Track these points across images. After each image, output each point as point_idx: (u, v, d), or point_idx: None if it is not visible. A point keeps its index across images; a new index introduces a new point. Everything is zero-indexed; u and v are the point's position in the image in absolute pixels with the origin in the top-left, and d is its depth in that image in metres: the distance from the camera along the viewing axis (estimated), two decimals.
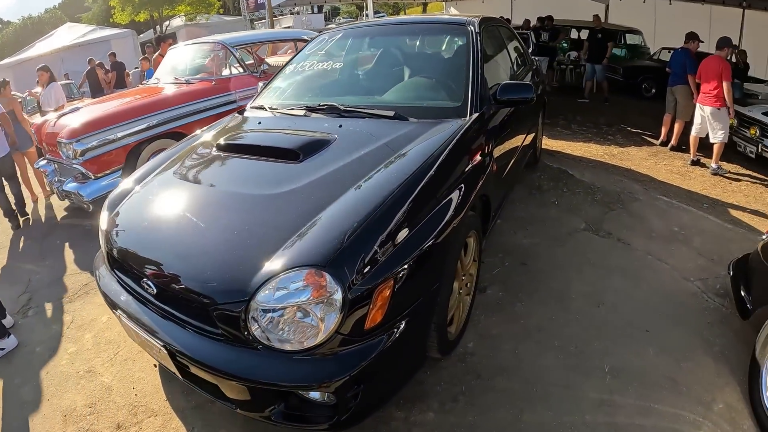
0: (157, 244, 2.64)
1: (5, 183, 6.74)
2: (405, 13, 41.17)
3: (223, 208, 2.71)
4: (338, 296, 2.06)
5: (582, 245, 4.76)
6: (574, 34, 17.14)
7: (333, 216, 2.38)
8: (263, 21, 32.26)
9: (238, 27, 33.86)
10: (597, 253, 4.62)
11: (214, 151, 3.39)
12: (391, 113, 3.42)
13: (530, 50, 10.02)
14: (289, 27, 34.50)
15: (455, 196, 2.81)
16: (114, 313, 2.83)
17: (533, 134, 5.88)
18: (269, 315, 2.11)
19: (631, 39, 16.42)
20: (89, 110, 6.65)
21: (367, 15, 13.68)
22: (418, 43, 4.73)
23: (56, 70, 16.00)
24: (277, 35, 9.26)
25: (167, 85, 7.53)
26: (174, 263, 2.46)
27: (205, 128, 4.18)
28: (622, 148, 8.40)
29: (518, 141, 4.71)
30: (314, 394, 2.28)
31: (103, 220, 3.11)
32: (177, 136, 6.55)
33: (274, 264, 2.18)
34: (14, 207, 6.89)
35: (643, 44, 16.56)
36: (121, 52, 26.89)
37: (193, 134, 4.13)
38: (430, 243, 2.49)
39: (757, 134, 7.91)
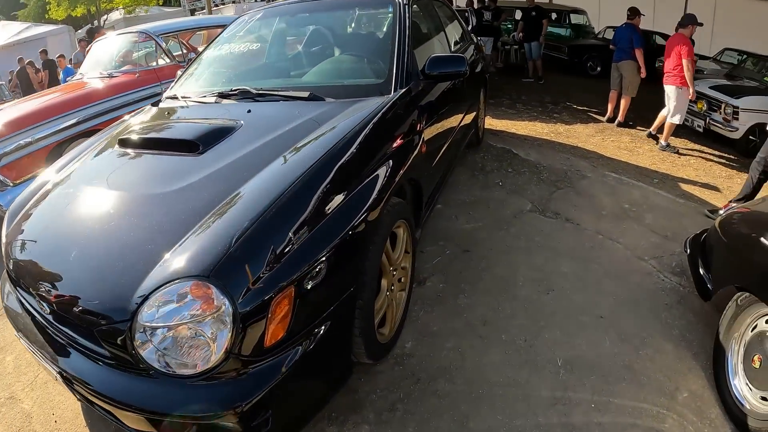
0: (47, 258, 2.30)
1: None
2: None
3: (112, 212, 2.35)
4: (227, 310, 1.75)
5: (528, 227, 4.52)
6: (518, 15, 16.67)
7: (225, 214, 2.05)
8: (204, 11, 31.70)
9: (178, 18, 33.21)
10: (544, 235, 4.39)
11: (116, 148, 3.02)
12: (306, 94, 3.13)
13: (470, 28, 9.79)
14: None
15: (373, 182, 2.51)
16: (16, 335, 2.48)
17: (473, 113, 5.63)
18: (156, 334, 1.79)
19: (576, 19, 16.43)
20: (3, 113, 6.13)
21: None
22: (341, 20, 4.41)
23: (17, 62, 15.47)
24: (204, 22, 8.73)
25: (90, 80, 7.03)
26: (61, 279, 2.13)
27: (114, 124, 3.80)
28: (569, 125, 8.25)
29: (455, 120, 4.44)
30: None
31: (3, 230, 2.79)
32: None
33: (156, 276, 1.85)
34: None
35: (587, 24, 16.58)
36: (57, 50, 26.17)
37: (101, 131, 3.76)
38: (341, 239, 2.19)
39: (705, 108, 7.97)
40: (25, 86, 13.79)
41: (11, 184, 5.65)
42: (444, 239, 4.29)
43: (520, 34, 12.68)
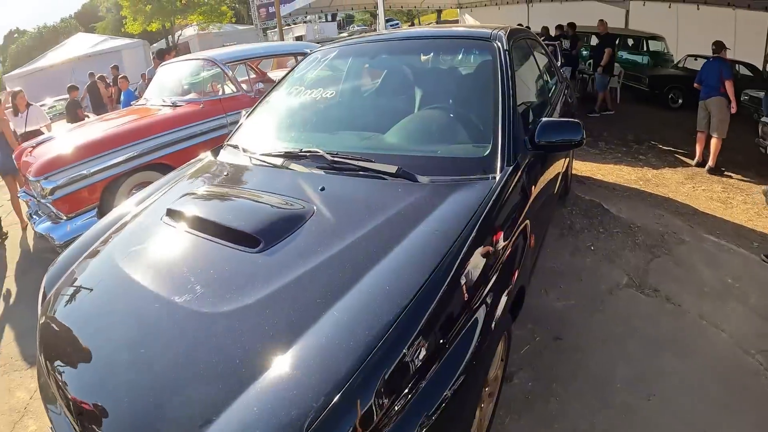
0: (71, 366, 1.92)
1: None
2: (419, 21, 40.51)
3: (150, 330, 1.87)
4: None
5: (625, 308, 3.93)
6: (593, 41, 16.13)
7: (296, 363, 1.56)
8: (276, 30, 32.03)
9: (250, 36, 33.64)
10: (643, 318, 3.79)
11: (164, 219, 2.58)
12: (393, 169, 2.55)
13: (559, 63, 9.19)
14: (301, 36, 34.13)
15: (482, 311, 1.98)
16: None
17: (566, 167, 5.10)
18: None
19: (654, 46, 15.56)
20: (61, 142, 5.98)
21: (377, 24, 12.82)
22: (430, 63, 3.79)
23: (65, 80, 15.67)
24: (273, 49, 8.38)
25: (153, 108, 6.82)
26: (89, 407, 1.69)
27: (168, 178, 3.38)
28: (656, 170, 7.57)
29: (554, 185, 3.90)
30: None
31: (40, 304, 2.47)
32: (160, 167, 5.86)
33: None
34: None
35: (666, 51, 15.69)
36: (132, 63, 26.73)
37: (157, 182, 3.39)
38: (449, 391, 1.70)
39: None
40: (95, 101, 13.77)
41: (65, 218, 5.49)
42: (533, 321, 3.74)
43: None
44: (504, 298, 2.16)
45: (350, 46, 4.10)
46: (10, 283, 5.79)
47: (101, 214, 5.41)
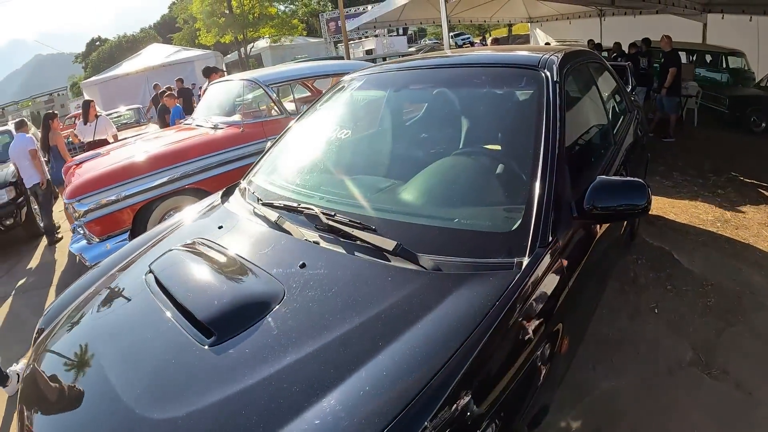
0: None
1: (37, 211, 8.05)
2: (490, 35, 39.70)
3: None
4: None
5: (685, 396, 3.27)
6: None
7: None
8: (358, 41, 32.20)
9: (320, 49, 33.81)
10: (706, 411, 3.13)
11: (146, 277, 2.33)
12: (391, 245, 2.05)
13: (630, 88, 8.46)
14: (371, 50, 34.01)
15: None
16: None
17: None
18: None
19: (734, 62, 14.42)
20: (99, 162, 5.98)
21: (443, 40, 12.38)
22: (460, 99, 3.19)
23: (141, 89, 16.10)
24: (323, 69, 7.92)
25: (193, 130, 6.69)
26: None
27: (184, 212, 3.28)
28: (737, 208, 6.67)
29: (612, 251, 3.39)
30: None
31: (34, 344, 2.41)
32: (195, 192, 5.74)
33: None
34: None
35: (747, 68, 14.53)
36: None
37: (172, 219, 3.25)
38: None
39: None
40: (161, 112, 13.90)
41: (97, 240, 5.48)
42: (571, 404, 3.15)
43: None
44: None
45: (376, 75, 3.60)
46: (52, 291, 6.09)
47: (133, 236, 5.38)
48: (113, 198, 5.38)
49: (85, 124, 9.17)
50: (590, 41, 14.88)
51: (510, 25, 32.68)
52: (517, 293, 1.80)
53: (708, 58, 14.94)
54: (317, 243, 2.27)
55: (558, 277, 2.07)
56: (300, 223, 2.44)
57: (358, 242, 2.16)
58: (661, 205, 6.83)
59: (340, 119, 3.47)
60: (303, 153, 3.34)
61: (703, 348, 3.74)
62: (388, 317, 1.74)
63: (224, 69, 18.16)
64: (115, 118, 16.57)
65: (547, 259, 2.00)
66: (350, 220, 2.27)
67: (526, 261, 1.94)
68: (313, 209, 2.40)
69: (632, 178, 2.29)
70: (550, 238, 2.06)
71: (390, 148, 3.21)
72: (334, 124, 3.41)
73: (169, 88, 14.64)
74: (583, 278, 2.39)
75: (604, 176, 2.34)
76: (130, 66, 29.44)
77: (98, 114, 9.42)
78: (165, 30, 62.65)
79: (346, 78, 3.70)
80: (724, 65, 14.38)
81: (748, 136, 11.01)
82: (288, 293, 1.94)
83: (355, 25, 20.27)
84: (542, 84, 2.61)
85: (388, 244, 2.06)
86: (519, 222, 2.11)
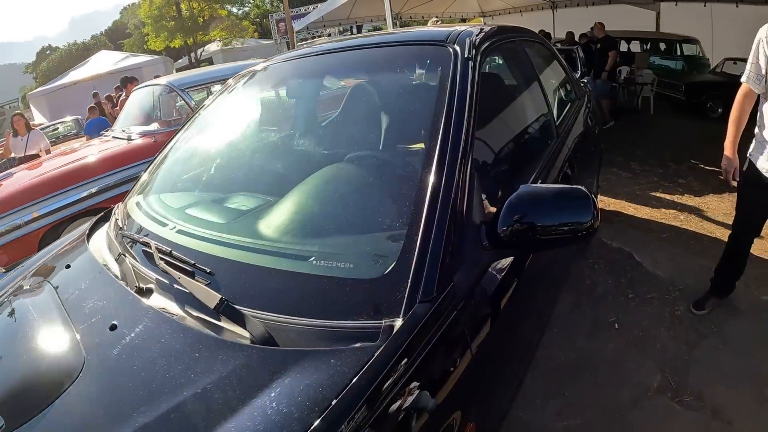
0: None
1: None
2: None
3: None
4: None
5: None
6: (623, 47, 15.22)
7: None
8: (301, 43, 31.59)
9: (272, 50, 33.22)
10: None
11: None
12: (215, 301, 1.46)
13: (579, 74, 8.08)
14: None
15: None
16: None
17: None
18: None
19: (688, 50, 14.34)
20: (6, 184, 5.37)
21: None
22: (353, 89, 2.57)
23: (90, 98, 15.37)
24: (241, 70, 7.45)
25: (107, 143, 6.13)
26: None
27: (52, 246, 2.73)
28: (700, 198, 6.23)
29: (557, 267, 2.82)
30: None
31: None
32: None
33: None
34: None
35: (701, 55, 14.44)
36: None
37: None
38: None
39: None
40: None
41: (3, 270, 4.77)
42: None
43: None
44: None
45: (272, 66, 2.95)
46: None
47: None
48: (17, 222, 4.86)
49: (15, 137, 8.66)
50: (541, 31, 14.57)
51: (463, 20, 32.50)
52: (378, 378, 1.19)
53: (662, 46, 14.90)
54: (141, 293, 1.69)
55: (460, 336, 1.47)
56: (141, 263, 1.85)
57: (187, 292, 1.58)
58: (619, 203, 6.35)
59: (224, 123, 2.84)
60: (174, 168, 2.73)
61: (673, 368, 3.21)
62: (195, 411, 1.21)
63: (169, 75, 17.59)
64: (50, 132, 15.86)
65: (436, 317, 1.38)
66: (184, 260, 1.68)
67: (398, 324, 1.33)
68: (149, 242, 1.84)
69: (568, 186, 1.68)
70: (441, 286, 1.44)
71: (272, 155, 2.59)
72: (214, 131, 2.81)
73: (108, 97, 14.04)
74: (512, 313, 1.82)
75: (528, 185, 1.73)
76: (77, 75, 28.79)
77: (31, 127, 8.89)
78: (117, 36, 61.61)
79: (231, 79, 3.08)
80: (679, 52, 14.27)
81: (705, 122, 10.69)
82: (86, 368, 1.40)
83: (303, 25, 19.63)
84: (448, 62, 2.02)
85: (212, 299, 1.47)
86: (393, 264, 1.48)
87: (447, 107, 1.80)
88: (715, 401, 2.92)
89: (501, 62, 2.82)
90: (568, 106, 3.83)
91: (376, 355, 1.22)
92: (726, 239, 3.82)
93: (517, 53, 3.03)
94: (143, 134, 5.84)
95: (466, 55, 2.02)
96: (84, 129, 9.62)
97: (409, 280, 1.40)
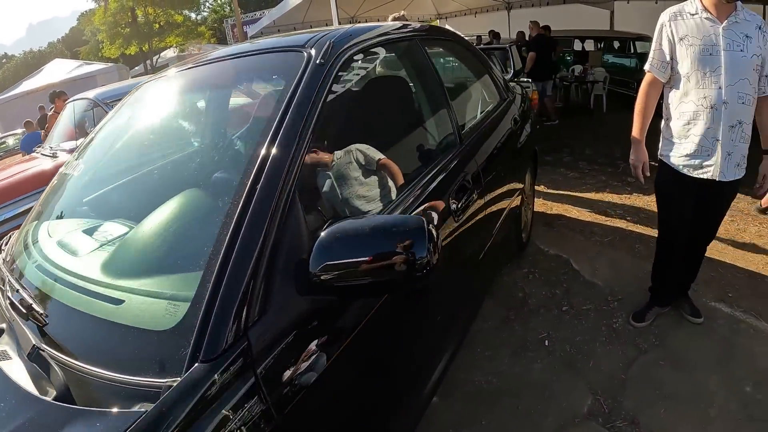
0: None
1: None
2: None
3: None
4: None
5: None
6: (577, 46, 15.81)
7: None
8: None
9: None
10: None
11: None
12: (28, 348, 1.41)
13: (510, 75, 8.05)
14: None
15: None
16: None
17: (515, 212, 3.80)
18: None
19: (642, 47, 14.21)
20: None
21: None
22: (210, 105, 2.49)
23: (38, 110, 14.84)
24: None
25: (32, 161, 5.92)
26: None
27: None
28: (649, 198, 5.80)
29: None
30: None
31: None
32: None
33: None
34: None
35: None
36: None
37: None
38: None
39: None
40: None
41: None
42: None
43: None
44: None
45: (145, 86, 2.69)
46: None
47: None
48: None
49: None
50: (491, 32, 14.62)
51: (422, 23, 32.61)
52: None
53: (616, 44, 15.18)
54: None
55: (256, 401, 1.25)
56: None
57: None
58: (562, 205, 6.16)
59: (105, 147, 2.62)
60: (58, 194, 2.46)
61: (607, 390, 3.01)
62: None
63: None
64: None
65: (217, 380, 1.17)
66: (23, 300, 1.54)
67: (182, 381, 1.14)
68: (4, 279, 1.76)
69: (399, 217, 1.53)
70: (231, 343, 1.23)
71: (133, 183, 2.30)
72: (97, 154, 2.57)
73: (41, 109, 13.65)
74: (367, 355, 1.69)
75: (345, 219, 1.49)
76: (30, 84, 28.19)
77: None
78: (74, 44, 60.60)
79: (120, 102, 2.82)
80: (632, 50, 14.38)
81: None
82: None
83: (256, 30, 19.33)
84: (297, 69, 1.78)
85: (27, 345, 1.38)
86: (184, 314, 1.29)
87: (280, 119, 1.59)
88: (651, 426, 2.72)
89: (384, 67, 2.57)
90: (482, 109, 3.63)
91: (136, 422, 1.04)
92: None
93: (412, 55, 2.79)
94: (69, 150, 5.52)
95: (318, 61, 1.80)
96: (20, 144, 9.16)
97: (194, 335, 1.21)
